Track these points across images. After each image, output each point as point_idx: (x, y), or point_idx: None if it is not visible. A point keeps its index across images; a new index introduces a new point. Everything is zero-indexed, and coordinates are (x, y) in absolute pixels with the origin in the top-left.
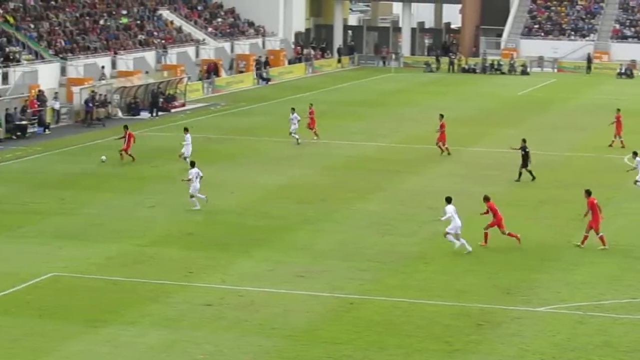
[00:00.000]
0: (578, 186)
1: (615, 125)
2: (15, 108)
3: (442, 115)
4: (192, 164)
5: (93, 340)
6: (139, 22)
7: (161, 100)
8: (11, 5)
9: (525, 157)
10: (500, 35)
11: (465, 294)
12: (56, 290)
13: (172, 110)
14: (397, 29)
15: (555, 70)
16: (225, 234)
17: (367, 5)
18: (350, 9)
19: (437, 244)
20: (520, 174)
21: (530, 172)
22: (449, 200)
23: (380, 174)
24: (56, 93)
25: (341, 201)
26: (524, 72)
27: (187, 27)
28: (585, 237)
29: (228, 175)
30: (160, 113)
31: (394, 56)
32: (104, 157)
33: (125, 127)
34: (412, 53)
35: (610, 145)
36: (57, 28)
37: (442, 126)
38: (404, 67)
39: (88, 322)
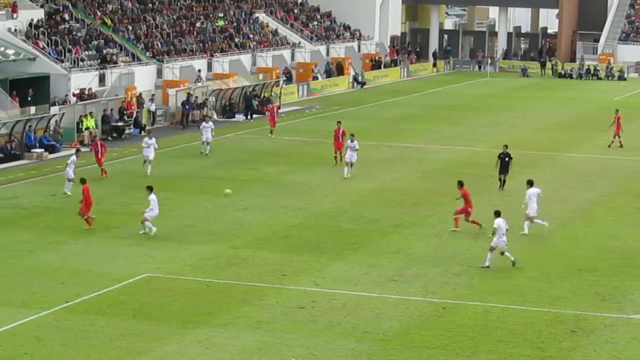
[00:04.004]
0: None
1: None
2: (112, 109)
3: (339, 122)
4: (77, 151)
5: (186, 341)
6: (235, 24)
7: (256, 103)
8: (109, 7)
9: (507, 164)
10: (597, 41)
11: (559, 300)
12: (150, 291)
13: (267, 114)
14: (493, 34)
15: None
16: (320, 237)
17: (464, 10)
18: (447, 13)
19: (532, 250)
20: (501, 181)
21: (504, 180)
22: (150, 189)
23: (474, 178)
24: (153, 95)
25: (435, 205)
26: (621, 78)
27: (283, 30)
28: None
29: (322, 178)
30: (255, 116)
31: (489, 60)
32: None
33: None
34: (508, 57)
35: (609, 146)
36: (154, 30)
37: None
38: (500, 71)
39: (181, 323)
